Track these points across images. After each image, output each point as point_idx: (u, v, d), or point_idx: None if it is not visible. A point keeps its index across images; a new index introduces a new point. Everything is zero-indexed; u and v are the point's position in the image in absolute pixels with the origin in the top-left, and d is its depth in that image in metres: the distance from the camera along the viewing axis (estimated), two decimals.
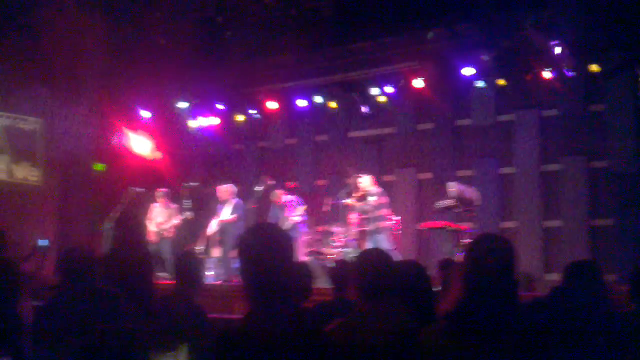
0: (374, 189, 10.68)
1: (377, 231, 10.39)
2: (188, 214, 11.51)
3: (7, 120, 11.90)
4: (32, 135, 12.04)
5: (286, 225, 11.02)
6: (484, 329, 2.36)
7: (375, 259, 3.21)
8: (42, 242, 6.66)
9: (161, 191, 11.90)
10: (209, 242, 11.57)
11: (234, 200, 11.34)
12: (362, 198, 10.61)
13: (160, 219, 11.66)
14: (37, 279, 6.21)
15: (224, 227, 11.14)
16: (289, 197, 11.60)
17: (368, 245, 10.43)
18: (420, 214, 12.47)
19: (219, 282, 10.77)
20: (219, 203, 11.49)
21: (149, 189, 11.89)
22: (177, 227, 11.71)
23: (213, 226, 11.31)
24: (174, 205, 11.83)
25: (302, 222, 11.46)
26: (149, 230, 11.68)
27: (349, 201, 10.74)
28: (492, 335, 2.37)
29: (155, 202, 11.85)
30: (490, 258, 2.44)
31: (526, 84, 11.34)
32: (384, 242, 10.15)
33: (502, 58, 10.91)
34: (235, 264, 10.38)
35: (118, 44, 12.71)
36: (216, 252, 11.22)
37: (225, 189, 11.41)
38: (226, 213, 11.19)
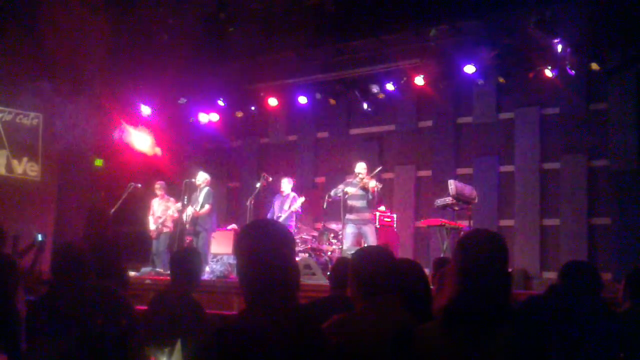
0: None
1: (370, 221, 10.32)
2: (178, 206, 11.51)
3: (8, 116, 11.87)
4: (32, 130, 12.01)
5: (284, 215, 11.03)
6: (477, 325, 2.36)
7: (373, 256, 3.18)
8: (40, 237, 6.64)
9: (159, 184, 11.93)
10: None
11: (206, 188, 11.41)
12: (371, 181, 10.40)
13: (159, 212, 11.68)
14: (33, 274, 6.20)
15: (195, 219, 11.21)
16: (292, 193, 11.55)
17: (352, 235, 10.29)
18: (419, 212, 12.46)
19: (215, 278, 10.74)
20: (195, 191, 11.51)
21: (148, 184, 11.89)
22: (175, 221, 11.69)
23: (189, 212, 11.32)
24: (171, 198, 11.83)
25: (297, 214, 11.41)
26: (148, 227, 11.71)
27: (365, 180, 10.31)
28: (486, 330, 2.36)
29: (156, 196, 11.87)
30: (482, 253, 2.43)
31: (527, 82, 11.33)
32: (373, 236, 10.11)
33: (504, 56, 10.91)
34: (232, 260, 10.41)
35: (119, 39, 12.68)
36: (214, 248, 11.22)
37: (202, 175, 11.49)
38: (199, 201, 11.26)
